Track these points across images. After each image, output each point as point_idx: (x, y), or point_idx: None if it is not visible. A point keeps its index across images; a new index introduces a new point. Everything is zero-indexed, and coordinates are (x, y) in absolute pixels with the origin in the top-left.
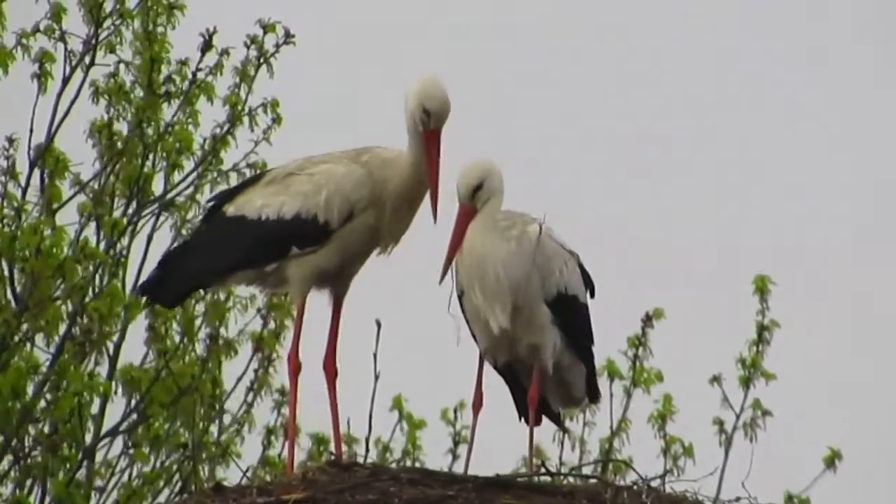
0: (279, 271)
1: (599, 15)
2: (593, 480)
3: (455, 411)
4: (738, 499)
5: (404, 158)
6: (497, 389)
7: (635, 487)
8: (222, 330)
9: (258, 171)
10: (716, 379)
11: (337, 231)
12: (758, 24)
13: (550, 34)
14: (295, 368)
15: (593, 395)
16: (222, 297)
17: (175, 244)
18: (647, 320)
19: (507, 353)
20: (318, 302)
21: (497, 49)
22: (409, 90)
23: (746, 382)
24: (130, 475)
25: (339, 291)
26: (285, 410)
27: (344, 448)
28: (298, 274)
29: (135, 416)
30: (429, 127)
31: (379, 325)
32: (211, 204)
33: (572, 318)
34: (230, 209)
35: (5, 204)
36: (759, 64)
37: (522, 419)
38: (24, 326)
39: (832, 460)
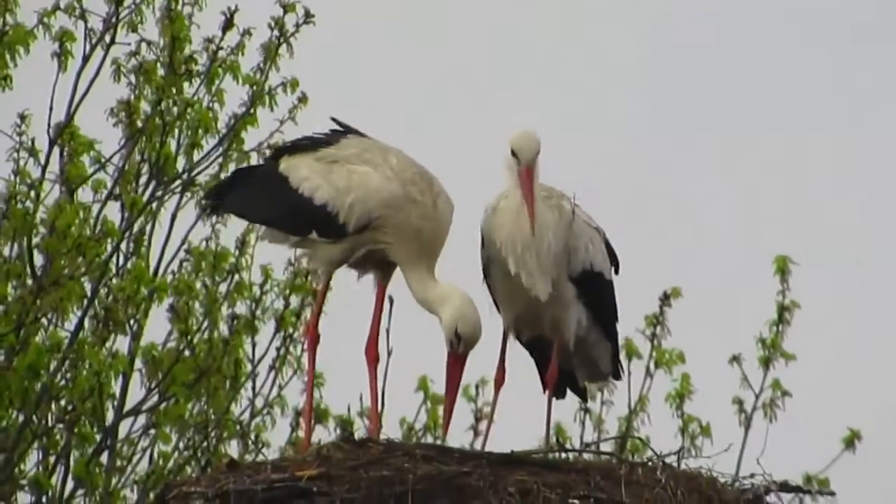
0: (303, 244)
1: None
2: (607, 457)
3: (476, 388)
4: (752, 475)
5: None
6: (520, 366)
7: (650, 464)
8: (244, 309)
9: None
10: (735, 359)
11: (351, 235)
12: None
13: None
14: (313, 339)
15: (616, 372)
16: (248, 276)
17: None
18: (665, 299)
19: (532, 328)
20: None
21: (519, 19)
22: (448, 304)
23: (766, 363)
24: (151, 457)
25: (381, 278)
26: (317, 393)
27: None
28: (325, 257)
29: (156, 395)
30: (457, 350)
31: (392, 301)
32: (280, 147)
33: (597, 294)
34: (283, 165)
35: (19, 181)
36: (787, 46)
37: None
38: (40, 304)
39: (852, 441)
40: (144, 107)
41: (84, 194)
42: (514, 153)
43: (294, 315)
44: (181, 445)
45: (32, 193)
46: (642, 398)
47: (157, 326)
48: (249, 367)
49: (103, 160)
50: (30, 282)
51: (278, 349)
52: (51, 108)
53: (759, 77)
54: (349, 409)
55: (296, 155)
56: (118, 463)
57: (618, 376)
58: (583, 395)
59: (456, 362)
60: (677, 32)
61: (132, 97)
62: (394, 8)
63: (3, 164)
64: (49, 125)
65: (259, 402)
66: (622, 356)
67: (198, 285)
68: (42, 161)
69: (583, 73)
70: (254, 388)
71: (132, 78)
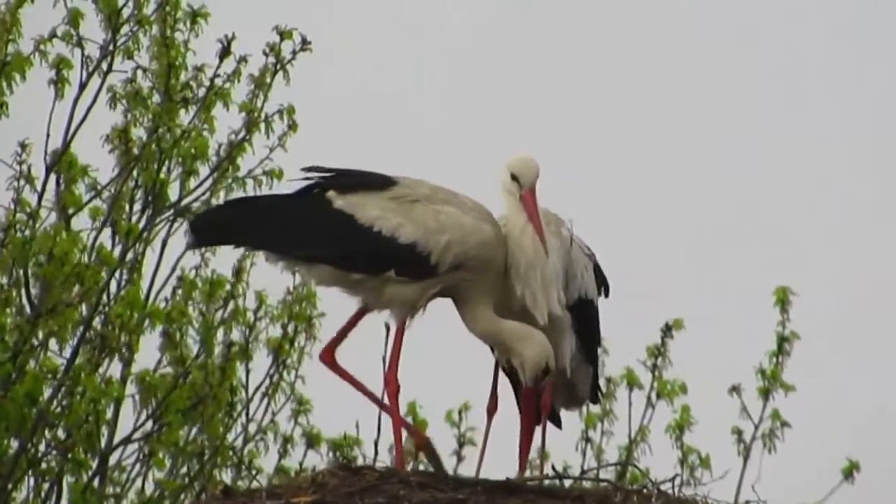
0: (366, 283)
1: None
2: (603, 484)
3: (459, 413)
4: (747, 502)
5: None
6: (505, 391)
7: (645, 491)
8: (238, 336)
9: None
10: (735, 389)
11: (439, 276)
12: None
13: (565, 30)
14: (394, 390)
15: (594, 396)
16: (242, 303)
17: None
18: (667, 331)
19: None
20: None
21: (515, 43)
22: (530, 341)
23: (766, 393)
24: (143, 482)
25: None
26: (303, 420)
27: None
28: (396, 296)
29: (150, 423)
30: (540, 383)
31: (388, 328)
32: (309, 182)
33: (587, 322)
34: (338, 202)
35: (18, 209)
36: (787, 68)
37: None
38: (39, 333)
39: (850, 472)
40: (139, 133)
41: (82, 221)
42: (514, 177)
43: (288, 342)
44: (178, 471)
45: (30, 222)
46: (642, 429)
47: (146, 354)
48: (244, 393)
49: (99, 187)
50: (27, 310)
51: (271, 376)
52: (47, 136)
53: (762, 100)
54: (345, 437)
55: (352, 193)
56: (114, 490)
57: (595, 400)
58: (557, 420)
59: (533, 396)
60: (678, 55)
61: (127, 123)
62: (392, 33)
63: (2, 192)
64: (46, 152)
65: (252, 428)
66: (622, 387)
67: (192, 312)
68: (39, 188)
69: (580, 101)
70: (247, 414)
71: (127, 104)
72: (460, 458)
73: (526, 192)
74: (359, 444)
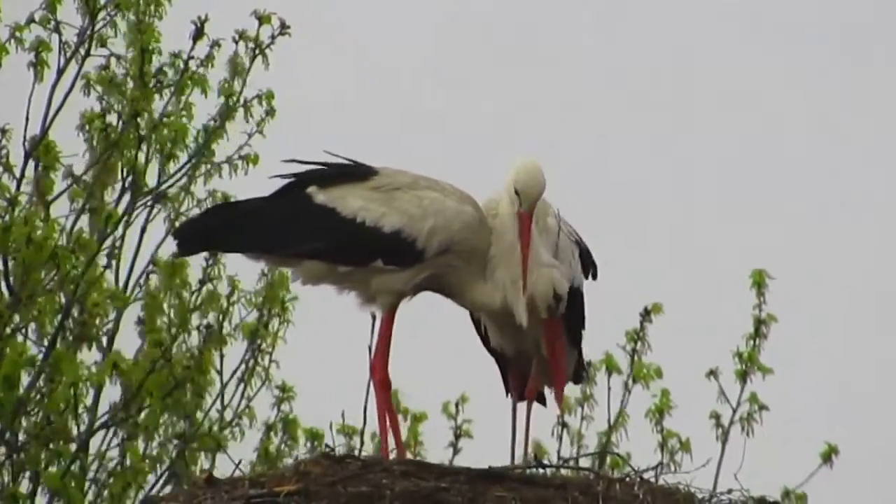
0: (353, 275)
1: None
2: (585, 473)
3: (456, 405)
4: (730, 490)
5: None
6: (495, 379)
7: (627, 479)
8: (220, 322)
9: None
10: (712, 373)
11: (426, 261)
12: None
13: (565, 21)
14: (385, 383)
15: (578, 378)
16: (220, 288)
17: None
18: (646, 315)
19: (514, 345)
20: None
21: (493, 33)
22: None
23: (743, 377)
24: (122, 465)
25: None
26: (285, 406)
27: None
28: (385, 286)
29: (127, 408)
30: (555, 312)
31: (374, 317)
32: (289, 180)
33: (573, 308)
34: (320, 196)
35: None
36: (760, 61)
37: (509, 396)
38: (16, 318)
39: (829, 455)
40: (111, 118)
41: (61, 208)
42: (516, 191)
43: (262, 326)
44: (160, 456)
45: (10, 208)
46: (622, 413)
47: (127, 337)
48: (216, 378)
49: (75, 174)
50: (6, 295)
51: (246, 361)
52: (27, 121)
53: (740, 88)
54: (331, 426)
55: (333, 186)
56: (96, 474)
57: (578, 381)
58: (542, 400)
59: (558, 325)
60: (657, 43)
61: (99, 108)
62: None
63: None
64: (25, 138)
65: (228, 415)
66: (601, 372)
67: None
68: (17, 175)
69: (561, 84)
70: (222, 400)
71: (103, 91)
72: (456, 450)
73: (524, 213)
74: (350, 433)
